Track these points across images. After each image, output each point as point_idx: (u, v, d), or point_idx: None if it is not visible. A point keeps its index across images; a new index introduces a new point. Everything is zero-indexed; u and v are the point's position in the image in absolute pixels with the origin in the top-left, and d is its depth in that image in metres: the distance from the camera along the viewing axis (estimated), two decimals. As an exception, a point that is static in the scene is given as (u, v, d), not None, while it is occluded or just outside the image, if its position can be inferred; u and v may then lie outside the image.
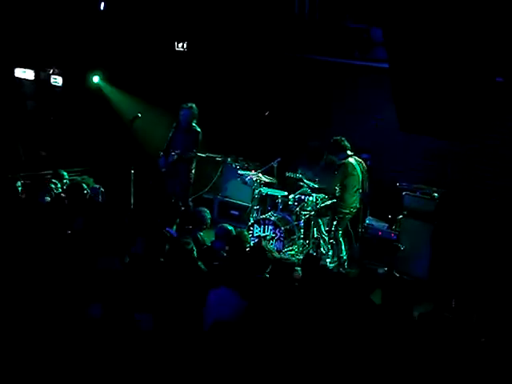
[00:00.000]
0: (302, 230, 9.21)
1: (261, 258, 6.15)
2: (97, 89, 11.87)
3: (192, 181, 9.72)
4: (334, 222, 8.97)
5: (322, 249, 9.21)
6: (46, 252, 6.50)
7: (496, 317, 5.86)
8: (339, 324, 5.06)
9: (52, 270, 6.12)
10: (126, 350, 4.65)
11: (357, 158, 8.86)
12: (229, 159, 10.92)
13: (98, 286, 5.57)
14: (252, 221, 9.44)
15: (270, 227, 9.09)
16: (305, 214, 9.19)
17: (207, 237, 7.71)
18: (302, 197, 9.20)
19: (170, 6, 11.12)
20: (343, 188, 8.73)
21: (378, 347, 4.83)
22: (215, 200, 11.01)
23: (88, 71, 11.80)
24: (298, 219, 9.28)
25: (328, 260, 9.08)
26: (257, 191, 9.66)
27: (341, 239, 8.91)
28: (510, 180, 8.77)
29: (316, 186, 9.12)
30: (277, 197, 9.49)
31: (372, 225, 9.30)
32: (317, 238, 9.26)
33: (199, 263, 6.27)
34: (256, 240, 8.77)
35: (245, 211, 10.31)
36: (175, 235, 7.28)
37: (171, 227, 7.43)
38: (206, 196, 11.09)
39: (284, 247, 9.01)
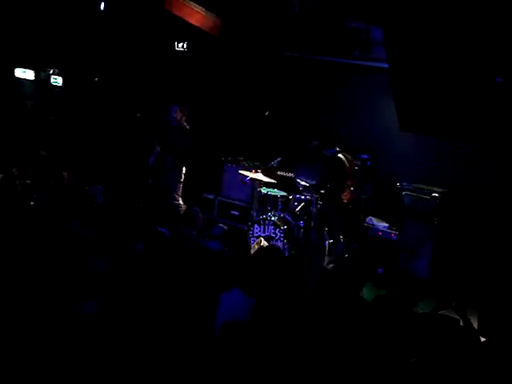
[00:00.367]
0: (302, 230, 9.20)
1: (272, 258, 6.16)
2: (97, 89, 11.88)
3: (182, 179, 9.73)
4: (305, 218, 9.00)
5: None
6: (42, 251, 6.51)
7: (496, 317, 5.87)
8: (343, 323, 5.07)
9: (46, 268, 6.12)
10: (128, 353, 4.65)
11: (345, 154, 8.84)
12: (229, 159, 10.92)
13: (89, 286, 5.57)
14: (252, 221, 9.44)
15: (271, 227, 9.09)
16: (305, 214, 9.19)
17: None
18: (302, 197, 9.20)
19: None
20: (332, 183, 8.73)
21: (379, 346, 4.83)
22: (215, 200, 11.01)
23: (88, 71, 11.80)
24: (298, 219, 9.28)
25: (329, 260, 9.08)
26: (257, 191, 9.65)
27: (326, 238, 8.88)
28: (510, 180, 8.77)
29: (307, 184, 9.14)
30: (277, 197, 9.49)
31: (372, 225, 9.30)
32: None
33: None
34: (256, 240, 8.77)
35: (245, 211, 10.31)
36: (168, 235, 7.29)
37: (163, 226, 7.44)
38: (206, 196, 11.10)
39: (284, 247, 9.00)
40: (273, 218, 9.13)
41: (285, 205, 9.43)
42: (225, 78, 11.37)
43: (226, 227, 7.23)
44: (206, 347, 4.89)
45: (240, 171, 10.18)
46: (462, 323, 5.23)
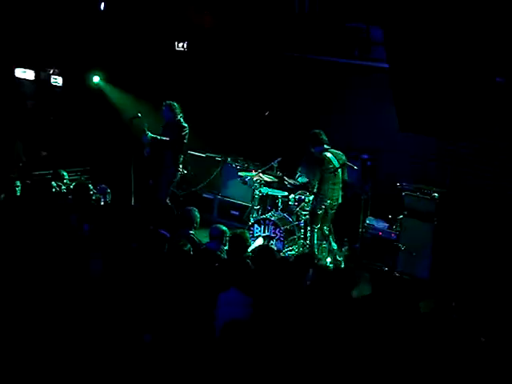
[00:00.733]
0: (302, 230, 9.20)
1: (268, 258, 6.16)
2: (97, 89, 11.88)
3: (176, 179, 9.76)
4: (306, 217, 9.00)
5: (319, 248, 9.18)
6: (45, 251, 6.51)
7: (496, 316, 5.87)
8: (340, 322, 5.07)
9: (48, 268, 6.13)
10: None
11: (334, 151, 8.82)
12: (229, 159, 10.93)
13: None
14: (252, 221, 9.44)
15: (271, 227, 9.09)
16: (305, 214, 9.19)
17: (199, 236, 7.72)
18: (302, 197, 9.20)
19: (170, 5, 11.12)
20: (320, 181, 8.72)
21: (379, 346, 4.83)
22: (215, 200, 11.02)
23: (88, 71, 11.80)
24: (298, 219, 9.28)
25: (328, 260, 9.08)
26: (257, 191, 9.65)
27: (315, 237, 8.87)
28: (509, 180, 8.77)
29: (297, 183, 9.13)
30: (277, 197, 9.49)
31: (372, 225, 9.29)
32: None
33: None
34: (256, 240, 8.78)
35: (245, 211, 10.31)
36: (168, 236, 7.30)
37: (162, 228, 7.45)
38: (205, 196, 11.10)
39: (284, 247, 9.01)
40: (273, 218, 9.13)
41: (285, 205, 9.43)
42: (225, 78, 11.37)
43: (224, 227, 7.21)
44: (207, 346, 4.90)
45: (240, 171, 10.19)
46: (461, 323, 5.23)
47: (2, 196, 8.07)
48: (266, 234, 9.08)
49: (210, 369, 4.43)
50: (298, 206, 9.21)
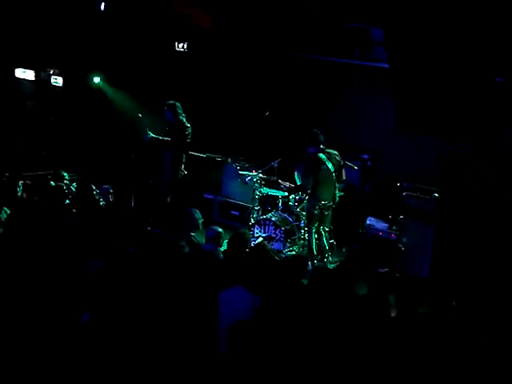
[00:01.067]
0: (303, 231, 9.20)
1: (261, 258, 6.16)
2: (97, 89, 11.89)
3: (179, 178, 9.76)
4: (304, 218, 9.00)
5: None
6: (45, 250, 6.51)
7: (496, 316, 5.87)
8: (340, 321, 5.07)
9: (49, 269, 6.13)
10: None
11: (330, 150, 8.79)
12: (229, 159, 10.93)
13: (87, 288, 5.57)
14: (252, 221, 9.44)
15: (271, 228, 9.09)
16: (305, 215, 9.19)
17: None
18: (303, 197, 9.20)
19: (170, 5, 11.13)
20: (314, 182, 8.71)
21: (379, 346, 4.83)
22: (215, 200, 11.02)
23: (88, 71, 11.81)
24: (299, 219, 9.28)
25: (329, 259, 9.08)
26: (257, 191, 9.66)
27: (312, 237, 8.86)
28: (509, 180, 8.77)
29: (292, 186, 9.13)
30: (277, 197, 9.49)
31: (372, 225, 9.29)
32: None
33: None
34: (257, 240, 8.77)
35: (245, 211, 10.32)
36: (167, 236, 7.30)
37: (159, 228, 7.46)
38: (206, 196, 11.10)
39: (284, 248, 9.01)
40: (273, 219, 9.13)
41: (285, 205, 9.43)
42: (225, 78, 11.38)
43: (219, 229, 7.21)
44: (211, 347, 4.90)
45: (240, 171, 10.20)
46: (461, 323, 5.23)
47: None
48: (267, 234, 9.08)
49: (215, 371, 4.44)
50: (298, 206, 9.21)
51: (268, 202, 9.70)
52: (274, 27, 10.39)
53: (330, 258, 9.11)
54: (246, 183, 9.90)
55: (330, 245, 9.19)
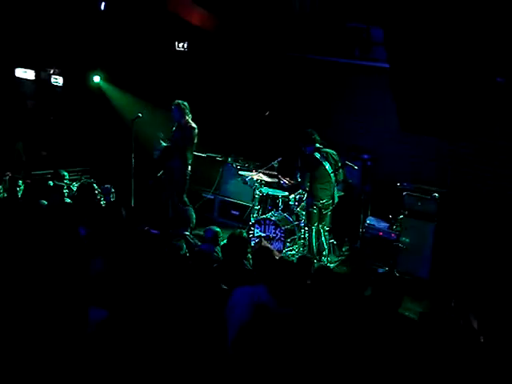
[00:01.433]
0: (303, 230, 9.21)
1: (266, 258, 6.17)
2: (97, 89, 11.89)
3: (187, 178, 9.79)
4: (304, 217, 9.00)
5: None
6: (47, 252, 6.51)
7: (496, 316, 5.87)
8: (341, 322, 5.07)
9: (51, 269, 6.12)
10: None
11: (328, 150, 8.79)
12: (229, 159, 10.94)
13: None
14: (252, 221, 9.45)
15: (271, 227, 9.10)
16: (305, 214, 9.19)
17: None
18: (303, 197, 9.21)
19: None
20: (311, 181, 8.72)
21: (377, 346, 4.83)
22: (216, 200, 11.03)
23: (88, 71, 11.81)
24: (299, 219, 9.29)
25: (328, 259, 9.09)
26: (257, 191, 9.66)
27: (313, 236, 8.86)
28: (509, 180, 8.77)
29: (291, 182, 9.13)
30: (277, 197, 9.50)
31: (372, 225, 9.30)
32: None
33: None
34: (256, 240, 8.78)
35: (245, 211, 10.32)
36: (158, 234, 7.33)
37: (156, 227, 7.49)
38: (206, 196, 11.10)
39: (284, 247, 9.01)
40: (273, 218, 9.13)
41: (285, 205, 9.44)
42: (225, 78, 11.38)
43: (217, 229, 7.22)
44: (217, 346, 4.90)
45: (240, 171, 10.20)
46: (461, 323, 5.23)
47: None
48: (267, 234, 9.09)
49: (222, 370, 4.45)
50: (298, 205, 9.22)
51: (268, 202, 9.72)
52: (274, 27, 10.39)
53: (330, 258, 9.12)
54: (246, 183, 9.92)
55: (330, 244, 9.21)
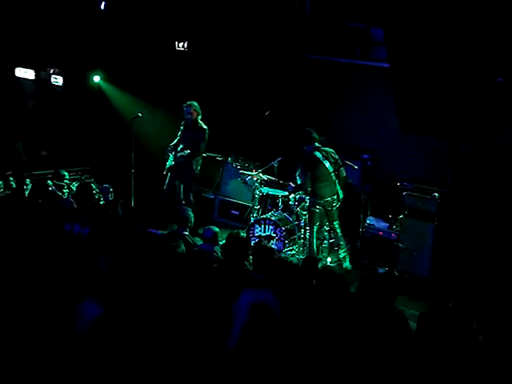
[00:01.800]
0: (303, 230, 9.20)
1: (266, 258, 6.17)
2: (97, 88, 11.89)
3: (196, 177, 9.94)
4: (305, 217, 9.00)
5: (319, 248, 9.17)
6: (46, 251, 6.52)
7: (495, 316, 5.87)
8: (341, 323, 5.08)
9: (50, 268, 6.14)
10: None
11: (326, 149, 8.78)
12: (229, 159, 10.93)
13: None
14: (252, 220, 9.44)
15: (271, 227, 9.10)
16: (305, 214, 9.19)
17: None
18: (303, 196, 9.21)
19: (170, 5, 11.13)
20: (312, 181, 8.72)
21: (379, 345, 4.84)
22: (216, 199, 11.02)
23: (88, 71, 11.81)
24: (299, 219, 9.28)
25: (329, 259, 9.09)
26: (257, 191, 9.66)
27: (314, 236, 8.85)
28: (510, 180, 8.77)
29: (293, 185, 9.13)
30: (277, 196, 9.50)
31: (372, 225, 9.29)
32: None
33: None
34: (256, 240, 8.77)
35: (245, 211, 10.32)
36: (159, 234, 7.33)
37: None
38: (206, 195, 11.10)
39: (284, 247, 9.01)
40: (273, 218, 9.13)
41: (285, 204, 9.43)
42: (225, 78, 11.37)
43: (216, 229, 7.23)
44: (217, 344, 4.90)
45: (240, 170, 10.20)
46: (461, 323, 5.24)
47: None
48: (267, 233, 9.08)
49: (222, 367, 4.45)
50: (298, 205, 9.21)
51: (268, 202, 9.71)
52: (274, 27, 10.39)
53: (330, 258, 9.12)
54: (246, 182, 9.92)
55: (330, 244, 9.21)
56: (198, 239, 7.68)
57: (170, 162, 9.75)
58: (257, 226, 9.21)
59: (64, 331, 5.11)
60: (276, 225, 9.06)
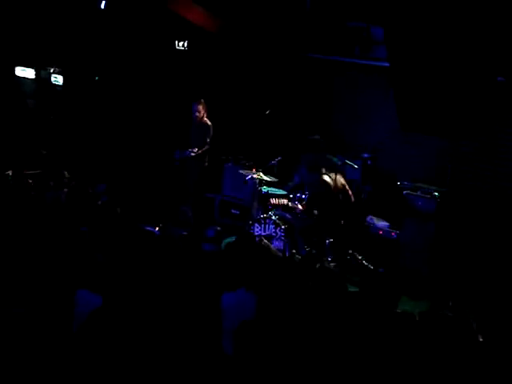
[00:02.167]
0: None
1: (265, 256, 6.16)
2: (97, 88, 11.88)
3: (204, 173, 10.12)
4: None
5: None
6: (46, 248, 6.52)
7: (495, 316, 5.87)
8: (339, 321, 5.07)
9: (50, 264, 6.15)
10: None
11: (330, 174, 8.71)
12: (229, 158, 10.93)
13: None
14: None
15: (271, 226, 9.09)
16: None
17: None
18: (303, 196, 9.20)
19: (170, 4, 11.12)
20: (320, 205, 8.62)
21: (377, 345, 4.83)
22: (216, 199, 11.02)
23: (89, 70, 11.80)
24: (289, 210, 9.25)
25: (329, 258, 9.08)
26: (257, 190, 9.65)
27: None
28: (510, 179, 8.77)
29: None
30: (277, 196, 9.48)
31: (373, 224, 9.29)
32: None
33: None
34: (258, 239, 8.77)
35: (245, 210, 10.31)
36: (157, 233, 7.31)
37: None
38: (206, 195, 11.10)
39: (284, 246, 9.00)
40: (273, 217, 9.12)
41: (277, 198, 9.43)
42: (225, 77, 11.37)
43: (219, 229, 7.23)
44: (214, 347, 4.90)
45: (240, 170, 10.20)
46: (460, 322, 5.23)
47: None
48: (267, 233, 9.08)
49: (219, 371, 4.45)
50: (298, 204, 9.19)
51: (268, 201, 9.70)
52: (274, 26, 10.38)
53: (330, 258, 9.11)
54: (247, 182, 9.91)
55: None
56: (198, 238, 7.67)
57: (178, 163, 9.93)
58: (257, 225, 9.21)
59: (63, 320, 5.12)
60: (276, 224, 9.05)
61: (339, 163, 8.87)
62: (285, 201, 9.23)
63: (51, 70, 11.95)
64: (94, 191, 8.55)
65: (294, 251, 8.98)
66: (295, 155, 9.77)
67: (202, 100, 9.94)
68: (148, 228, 7.39)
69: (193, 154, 9.80)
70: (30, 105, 12.46)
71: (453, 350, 4.79)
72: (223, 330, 5.30)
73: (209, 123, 9.97)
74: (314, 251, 8.81)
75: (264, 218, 9.19)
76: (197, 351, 4.93)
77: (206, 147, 10.00)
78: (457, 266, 8.32)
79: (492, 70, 6.92)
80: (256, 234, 9.12)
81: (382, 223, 9.26)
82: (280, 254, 7.71)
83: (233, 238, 6.98)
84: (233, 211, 10.74)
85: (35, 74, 12.15)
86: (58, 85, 11.92)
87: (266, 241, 7.88)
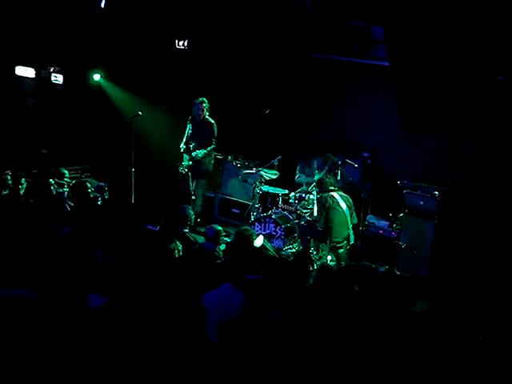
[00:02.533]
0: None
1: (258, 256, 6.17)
2: (97, 87, 11.88)
3: (210, 172, 10.24)
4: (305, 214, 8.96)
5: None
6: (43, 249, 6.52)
7: (495, 316, 5.88)
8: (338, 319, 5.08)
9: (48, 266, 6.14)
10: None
11: (341, 193, 8.65)
12: (229, 157, 10.94)
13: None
14: (252, 219, 9.44)
15: (271, 225, 9.10)
16: (305, 212, 9.18)
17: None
18: (303, 195, 9.21)
19: (170, 3, 11.12)
20: (325, 221, 8.47)
21: (377, 344, 4.84)
22: (216, 198, 11.02)
23: (89, 69, 11.80)
24: (299, 217, 9.27)
25: (329, 258, 9.08)
26: (257, 189, 9.65)
27: None
28: (510, 178, 8.77)
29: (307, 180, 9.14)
30: (277, 195, 9.49)
31: (373, 223, 9.29)
32: None
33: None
34: (257, 238, 8.77)
35: (245, 209, 10.32)
36: (157, 230, 7.34)
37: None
38: (206, 194, 11.11)
39: (284, 245, 9.01)
40: (273, 216, 9.13)
41: (285, 203, 9.43)
42: (225, 76, 11.37)
43: (219, 227, 7.23)
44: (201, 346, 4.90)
45: (240, 169, 10.21)
46: (460, 322, 5.24)
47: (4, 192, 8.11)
48: (267, 231, 9.09)
49: (208, 369, 4.44)
50: (298, 204, 9.21)
51: (268, 200, 9.71)
52: (274, 25, 10.38)
53: (330, 257, 9.11)
54: (247, 181, 9.92)
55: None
56: (199, 237, 7.69)
57: (186, 162, 9.93)
58: (257, 224, 9.21)
59: (75, 324, 5.12)
60: (276, 223, 9.06)
61: (339, 162, 8.89)
62: (292, 208, 9.22)
63: (51, 70, 11.96)
64: (94, 191, 8.56)
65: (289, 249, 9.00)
66: (295, 154, 9.79)
67: (204, 99, 9.91)
68: (149, 227, 7.39)
69: (200, 156, 9.81)
70: (30, 104, 12.47)
71: (453, 350, 4.79)
72: (207, 329, 5.28)
73: (212, 121, 9.97)
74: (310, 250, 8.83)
75: (264, 217, 9.20)
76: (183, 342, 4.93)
77: (213, 146, 10.02)
78: (457, 266, 8.32)
79: (492, 69, 6.91)
80: (256, 232, 9.13)
81: (382, 222, 9.26)
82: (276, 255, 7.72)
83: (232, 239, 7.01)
84: (233, 210, 10.75)
85: (35, 74, 12.15)
86: (57, 84, 11.93)
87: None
